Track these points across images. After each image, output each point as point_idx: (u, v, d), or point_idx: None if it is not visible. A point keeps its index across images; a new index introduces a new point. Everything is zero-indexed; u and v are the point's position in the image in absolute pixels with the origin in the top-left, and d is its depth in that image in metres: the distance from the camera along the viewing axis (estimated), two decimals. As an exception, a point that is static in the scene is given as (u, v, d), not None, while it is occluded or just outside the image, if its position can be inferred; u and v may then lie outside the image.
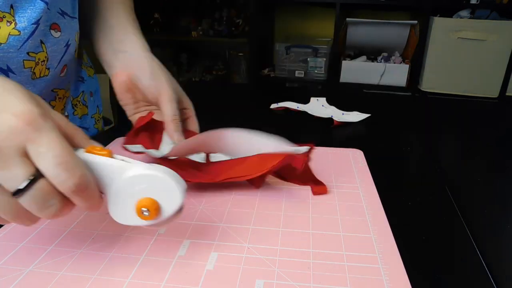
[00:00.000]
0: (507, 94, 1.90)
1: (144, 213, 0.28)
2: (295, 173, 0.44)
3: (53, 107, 0.50)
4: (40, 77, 0.46)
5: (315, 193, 0.43)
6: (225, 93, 0.93)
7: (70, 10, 0.49)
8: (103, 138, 0.57)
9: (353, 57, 2.11)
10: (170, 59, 2.58)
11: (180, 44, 2.56)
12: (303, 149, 0.50)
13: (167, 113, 0.45)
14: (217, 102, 0.85)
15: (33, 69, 0.45)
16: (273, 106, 0.78)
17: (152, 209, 0.28)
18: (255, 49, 2.16)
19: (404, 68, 1.98)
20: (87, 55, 0.66)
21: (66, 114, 0.57)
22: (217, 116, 0.75)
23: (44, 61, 0.46)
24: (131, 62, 0.50)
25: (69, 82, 0.54)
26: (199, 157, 0.48)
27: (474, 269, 0.33)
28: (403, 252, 0.34)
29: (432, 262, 0.33)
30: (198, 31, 2.34)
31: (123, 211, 0.29)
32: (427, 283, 0.31)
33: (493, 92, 1.91)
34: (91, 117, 0.62)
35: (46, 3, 0.43)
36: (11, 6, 0.40)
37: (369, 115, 0.71)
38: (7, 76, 0.43)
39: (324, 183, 0.46)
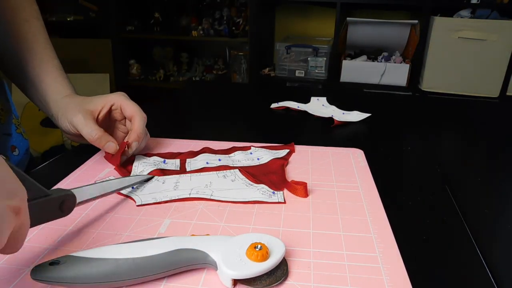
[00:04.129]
0: (507, 94, 1.90)
1: (257, 247, 0.30)
2: (270, 178, 0.46)
3: None
4: None
5: (299, 194, 0.43)
6: (225, 93, 0.93)
7: None
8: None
9: (353, 57, 2.11)
10: (170, 58, 2.58)
11: (181, 44, 2.56)
12: (283, 152, 0.52)
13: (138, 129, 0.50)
14: (217, 101, 0.85)
15: None
16: (273, 105, 0.77)
17: (264, 246, 0.30)
18: (255, 48, 2.16)
19: (405, 68, 1.97)
20: None
21: None
22: (217, 115, 0.75)
23: None
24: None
25: None
26: (173, 166, 0.49)
27: (474, 269, 0.33)
28: (403, 252, 0.34)
29: (432, 262, 0.33)
30: (199, 30, 2.34)
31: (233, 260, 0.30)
32: (427, 283, 0.31)
33: (494, 92, 1.90)
34: (12, 123, 0.60)
35: None
36: None
37: (369, 114, 0.71)
38: None
39: (324, 182, 0.46)
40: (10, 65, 0.56)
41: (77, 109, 0.49)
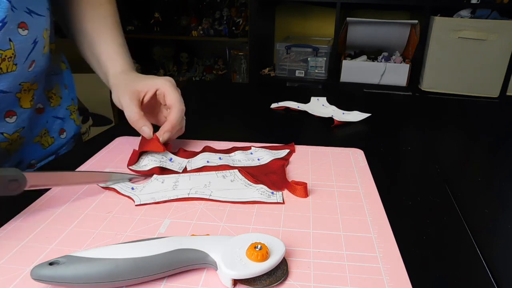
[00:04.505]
0: (507, 94, 1.90)
1: (257, 247, 0.30)
2: (270, 178, 0.46)
3: (18, 99, 0.53)
4: (7, 72, 0.49)
5: (298, 195, 0.43)
6: (225, 93, 0.93)
7: (38, 8, 0.52)
8: (105, 137, 0.57)
9: (353, 57, 2.11)
10: (170, 58, 2.58)
11: (181, 44, 2.56)
12: (283, 152, 0.52)
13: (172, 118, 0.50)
14: (217, 101, 0.85)
15: (0, 65, 0.48)
16: (273, 105, 0.77)
17: (264, 246, 0.30)
18: (255, 48, 2.16)
19: (405, 68, 1.98)
20: (62, 51, 0.70)
21: (38, 106, 0.59)
22: (217, 115, 0.75)
23: (11, 57, 0.49)
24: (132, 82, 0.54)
25: (35, 76, 0.55)
26: (177, 166, 0.49)
27: (474, 268, 0.33)
28: (403, 252, 0.34)
29: (432, 262, 0.33)
30: (199, 30, 2.34)
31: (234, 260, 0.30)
32: (427, 283, 0.31)
33: (494, 92, 1.90)
34: (66, 109, 0.66)
35: (9, 1, 0.46)
36: None
37: (369, 114, 0.71)
38: None
39: (324, 182, 0.46)
40: (84, 45, 0.63)
41: (127, 89, 0.52)
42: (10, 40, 0.48)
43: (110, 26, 0.62)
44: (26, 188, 0.37)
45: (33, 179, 0.37)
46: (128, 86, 0.52)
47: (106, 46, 0.60)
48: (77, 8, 0.62)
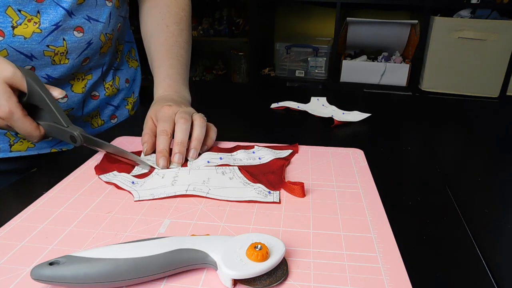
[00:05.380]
0: (507, 94, 1.90)
1: (257, 247, 0.30)
2: (268, 177, 0.46)
3: (71, 85, 0.61)
4: (60, 64, 0.57)
5: (296, 194, 0.43)
6: (225, 93, 0.93)
7: (98, 15, 0.59)
8: (105, 137, 0.57)
9: (353, 57, 2.11)
10: (170, 58, 2.58)
11: (181, 44, 2.56)
12: (286, 152, 0.52)
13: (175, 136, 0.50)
14: (217, 101, 0.85)
15: (53, 58, 0.56)
16: (273, 105, 0.77)
17: (264, 246, 0.30)
18: (255, 48, 2.17)
19: (405, 68, 1.98)
20: (136, 51, 0.82)
21: (92, 93, 0.66)
22: (217, 115, 0.75)
23: (63, 53, 0.56)
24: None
25: (89, 69, 0.63)
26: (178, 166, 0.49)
27: (474, 269, 0.33)
28: (403, 252, 0.34)
29: (432, 262, 0.33)
30: (199, 30, 2.35)
31: (233, 260, 0.30)
32: (427, 283, 0.31)
33: (494, 92, 1.91)
34: (123, 99, 0.74)
35: (67, 10, 0.54)
36: (38, 11, 0.52)
37: (369, 114, 0.71)
38: (31, 60, 0.54)
39: (324, 182, 0.46)
40: (151, 62, 0.68)
41: (152, 111, 0.55)
42: (63, 39, 0.55)
43: (168, 48, 0.65)
44: (83, 144, 0.46)
45: (86, 140, 0.46)
46: (153, 110, 0.55)
47: (156, 69, 0.65)
48: (145, 27, 0.71)
